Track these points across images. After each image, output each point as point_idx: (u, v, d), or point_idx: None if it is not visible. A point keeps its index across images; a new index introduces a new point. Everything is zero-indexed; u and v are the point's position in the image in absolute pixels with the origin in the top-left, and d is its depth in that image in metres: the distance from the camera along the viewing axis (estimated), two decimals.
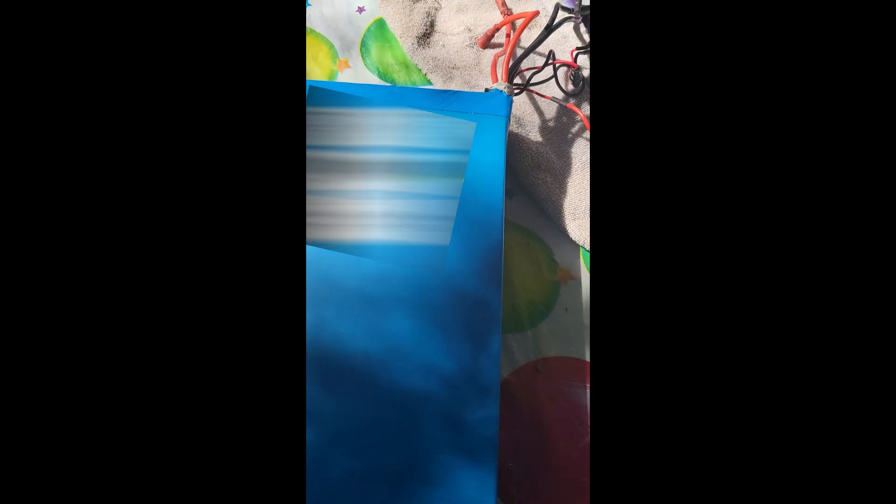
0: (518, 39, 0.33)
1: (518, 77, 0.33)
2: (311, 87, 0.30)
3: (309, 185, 0.28)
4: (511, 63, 0.32)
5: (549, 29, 0.33)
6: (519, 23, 0.37)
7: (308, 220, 0.28)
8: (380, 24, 0.39)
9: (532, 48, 0.32)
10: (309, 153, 0.29)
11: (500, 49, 0.37)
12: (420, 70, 0.37)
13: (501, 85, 0.31)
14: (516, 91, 0.32)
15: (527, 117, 0.35)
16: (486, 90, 0.31)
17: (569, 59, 0.35)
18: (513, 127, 0.35)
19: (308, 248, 0.27)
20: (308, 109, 0.30)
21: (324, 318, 0.26)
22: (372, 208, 0.28)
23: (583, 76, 0.35)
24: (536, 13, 0.33)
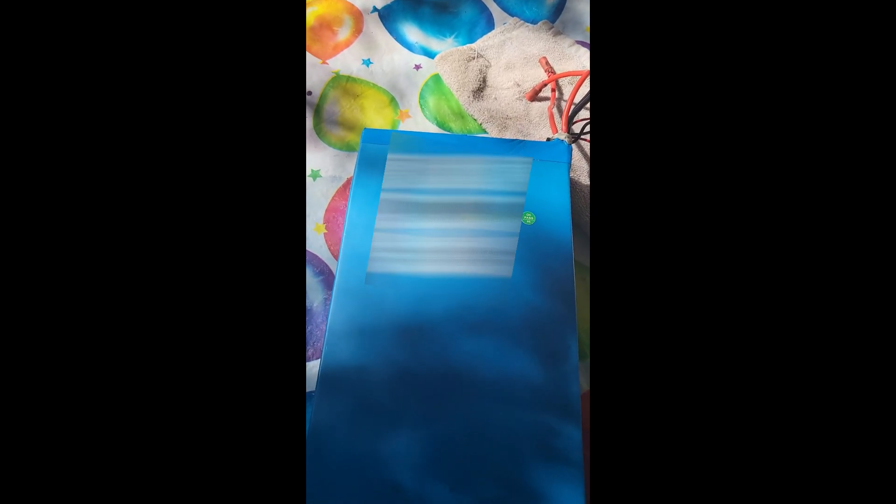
0: (574, 95, 0.37)
1: (570, 128, 0.37)
2: (393, 133, 0.34)
3: (386, 224, 0.31)
4: (569, 116, 0.36)
5: None
6: (569, 79, 0.41)
7: (389, 255, 0.30)
8: (436, 80, 0.43)
9: (583, 104, 0.36)
10: (383, 195, 0.32)
11: (549, 102, 0.41)
12: (475, 120, 0.41)
13: (562, 135, 0.34)
14: (572, 140, 0.36)
15: (577, 163, 0.38)
16: (549, 139, 0.35)
17: None
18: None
19: (398, 277, 0.30)
20: (389, 155, 0.33)
21: (416, 343, 0.28)
22: (454, 245, 0.31)
23: None
24: (588, 73, 0.37)
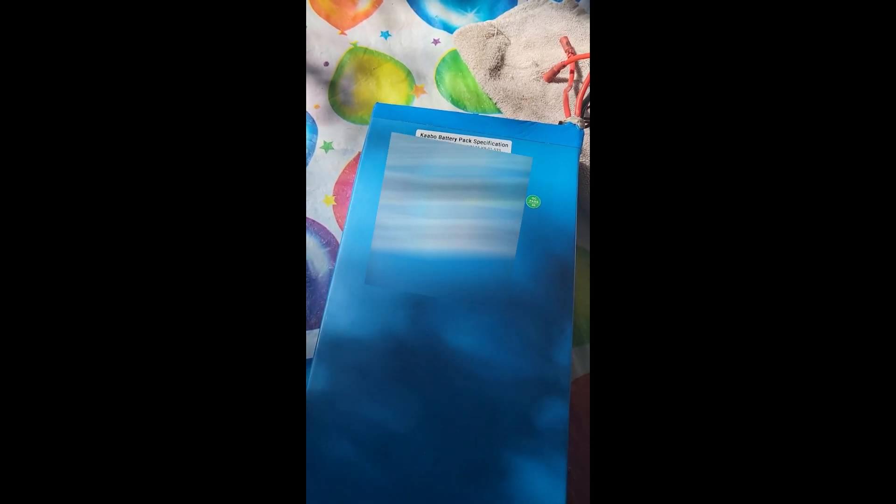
0: (590, 79, 0.36)
1: (585, 112, 0.37)
2: (401, 111, 0.34)
3: (393, 202, 0.31)
4: (583, 99, 0.35)
5: None
6: (590, 62, 0.40)
7: (393, 232, 0.31)
8: (454, 56, 0.42)
9: None
10: (387, 173, 0.32)
11: (567, 84, 0.40)
12: (490, 99, 0.41)
13: (574, 119, 0.34)
14: (585, 125, 0.35)
15: (589, 149, 0.38)
16: (560, 122, 0.34)
17: None
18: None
19: (401, 254, 0.30)
20: (393, 134, 0.33)
21: (412, 319, 0.29)
22: (457, 224, 0.31)
23: None
24: None
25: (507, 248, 0.30)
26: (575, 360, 0.34)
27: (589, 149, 0.38)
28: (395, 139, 0.33)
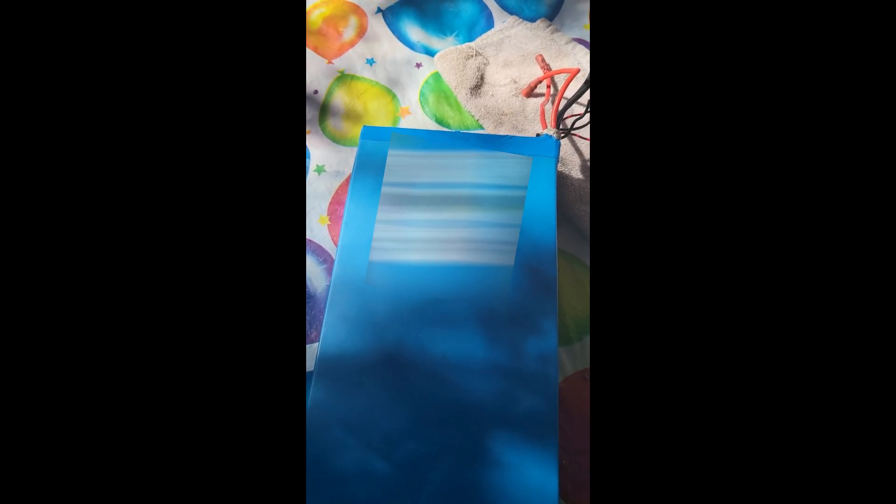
0: (564, 92, 0.38)
1: (561, 123, 0.39)
2: (392, 133, 0.36)
3: (387, 216, 0.33)
4: (558, 111, 0.38)
5: (588, 83, 0.38)
6: (564, 77, 0.43)
7: (388, 244, 0.32)
8: (436, 77, 0.45)
9: (574, 99, 0.38)
10: (384, 189, 0.34)
11: (543, 98, 0.42)
12: (472, 116, 0.43)
13: (551, 130, 0.36)
14: (562, 135, 0.37)
15: (569, 157, 0.40)
16: (538, 135, 0.36)
17: None
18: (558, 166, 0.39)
19: (395, 266, 0.32)
20: (390, 152, 0.35)
21: (406, 327, 0.30)
22: (447, 235, 0.33)
23: None
24: (578, 70, 0.38)
25: (503, 258, 0.32)
26: (564, 360, 0.35)
27: (580, 160, 0.40)
28: (392, 155, 0.35)
